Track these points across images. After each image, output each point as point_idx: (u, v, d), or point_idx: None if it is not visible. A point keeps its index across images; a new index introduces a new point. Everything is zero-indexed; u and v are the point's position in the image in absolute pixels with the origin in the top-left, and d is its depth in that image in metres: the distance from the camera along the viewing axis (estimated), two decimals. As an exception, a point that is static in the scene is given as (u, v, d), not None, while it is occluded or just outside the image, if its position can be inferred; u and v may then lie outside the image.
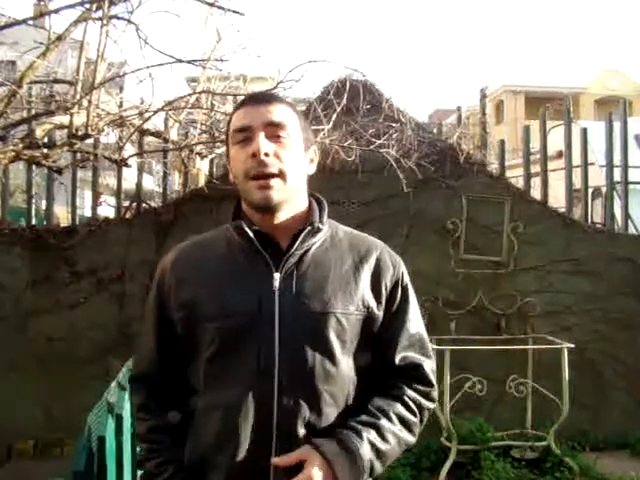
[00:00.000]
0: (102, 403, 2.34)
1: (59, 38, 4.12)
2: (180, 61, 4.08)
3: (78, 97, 3.94)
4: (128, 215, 5.74)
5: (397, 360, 1.65)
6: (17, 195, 10.22)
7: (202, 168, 6.27)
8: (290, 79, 4.31)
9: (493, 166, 6.16)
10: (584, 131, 6.14)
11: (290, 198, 1.63)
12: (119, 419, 2.29)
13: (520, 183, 6.06)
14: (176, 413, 1.65)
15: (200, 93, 4.71)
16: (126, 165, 5.09)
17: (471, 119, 7.18)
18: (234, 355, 1.56)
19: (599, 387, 5.54)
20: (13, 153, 4.00)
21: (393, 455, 1.61)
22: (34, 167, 5.60)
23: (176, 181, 8.81)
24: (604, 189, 6.58)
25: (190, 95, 4.80)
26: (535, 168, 6.16)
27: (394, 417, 1.60)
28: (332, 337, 1.57)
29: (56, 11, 4.07)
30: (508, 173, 6.26)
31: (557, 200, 6.21)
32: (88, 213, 6.50)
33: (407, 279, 1.72)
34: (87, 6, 3.96)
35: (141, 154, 5.64)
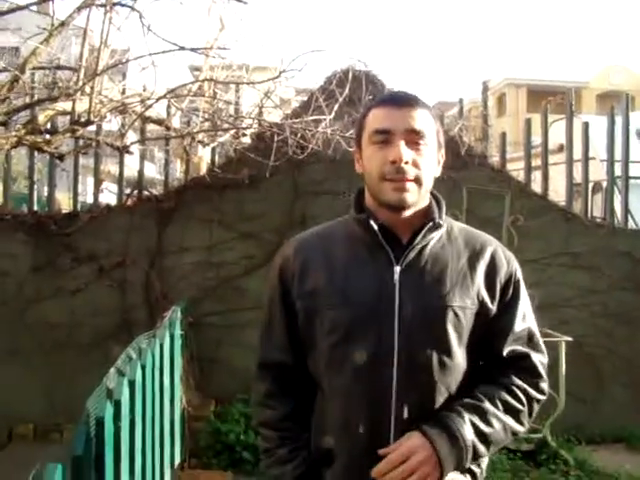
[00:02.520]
0: (101, 388, 2.36)
1: (62, 24, 4.12)
2: (183, 49, 4.08)
3: (81, 84, 3.95)
4: (129, 202, 5.75)
5: (505, 352, 1.68)
6: (19, 181, 10.23)
7: (204, 156, 6.28)
8: (292, 68, 4.31)
9: (494, 159, 6.16)
10: (585, 125, 6.13)
11: (420, 200, 1.68)
12: (117, 405, 2.31)
13: (521, 176, 6.07)
14: (286, 410, 1.72)
15: (203, 81, 4.72)
16: (128, 152, 5.10)
17: (473, 112, 7.18)
18: (354, 343, 1.61)
19: (596, 381, 5.56)
20: (15, 139, 4.02)
21: (498, 440, 1.63)
22: (36, 153, 5.61)
23: (178, 169, 8.83)
24: (604, 183, 6.58)
25: (193, 83, 4.81)
26: (536, 161, 6.16)
27: (498, 402, 1.63)
28: (450, 329, 1.62)
29: (60, -3, 4.06)
30: (509, 166, 6.27)
31: (557, 194, 6.22)
32: (90, 200, 6.53)
33: (520, 275, 1.75)
34: (91, -8, 3.96)
35: (143, 141, 5.64)
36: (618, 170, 6.09)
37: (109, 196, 6.76)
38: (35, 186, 6.07)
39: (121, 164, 5.89)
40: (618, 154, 6.06)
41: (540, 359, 1.74)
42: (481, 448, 1.59)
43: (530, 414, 1.71)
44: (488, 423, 1.60)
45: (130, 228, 5.47)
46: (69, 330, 5.32)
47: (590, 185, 6.42)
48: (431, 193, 1.75)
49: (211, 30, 4.55)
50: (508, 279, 1.72)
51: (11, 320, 5.32)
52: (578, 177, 6.20)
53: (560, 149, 7.20)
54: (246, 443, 4.73)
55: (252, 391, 1.83)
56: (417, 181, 1.63)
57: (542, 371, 1.73)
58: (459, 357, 1.64)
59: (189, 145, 5.51)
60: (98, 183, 6.05)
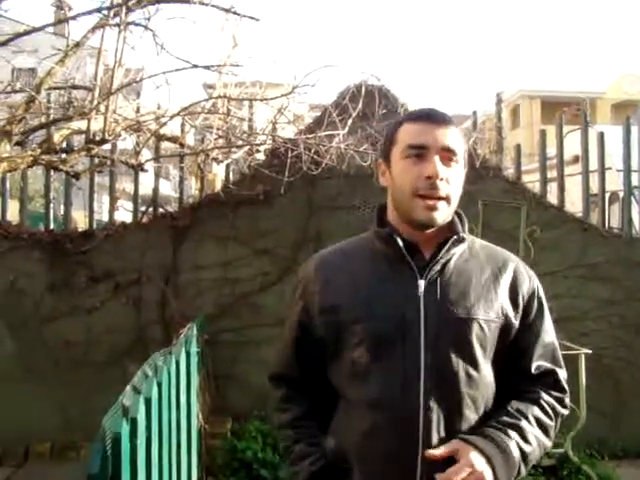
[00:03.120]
0: (117, 406, 2.35)
1: (77, 45, 4.17)
2: (196, 67, 4.10)
3: (95, 103, 3.98)
4: (145, 220, 5.78)
5: (533, 368, 1.70)
6: (36, 200, 10.31)
7: (218, 173, 6.29)
8: (305, 84, 4.32)
9: (509, 171, 6.13)
10: (601, 135, 6.09)
11: (447, 218, 1.68)
12: (134, 422, 2.30)
13: (536, 188, 6.03)
14: (314, 404, 1.76)
15: (216, 98, 4.74)
16: (143, 170, 5.13)
17: (487, 124, 7.16)
18: (380, 357, 1.62)
19: (617, 394, 5.48)
20: (31, 158, 4.05)
21: (534, 458, 1.64)
22: (52, 172, 5.66)
23: (193, 186, 8.86)
24: (621, 193, 6.52)
25: (206, 100, 4.84)
26: (551, 173, 6.13)
27: (533, 420, 1.65)
28: (475, 342, 1.62)
29: (74, 17, 4.12)
30: (524, 178, 6.24)
31: (574, 205, 6.18)
32: (105, 218, 6.55)
33: (542, 292, 1.77)
34: (105, 13, 4.00)
35: (158, 159, 5.67)
36: (635, 180, 6.04)
37: (124, 214, 6.80)
38: (51, 205, 6.11)
39: (136, 182, 5.92)
40: (635, 164, 6.01)
41: (563, 375, 1.75)
42: (522, 467, 1.60)
43: (555, 428, 1.71)
44: (527, 442, 1.61)
45: (145, 246, 5.49)
46: (85, 348, 5.34)
47: (607, 195, 6.37)
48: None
49: (224, 48, 4.58)
50: (531, 295, 1.72)
51: (28, 338, 5.35)
52: (594, 188, 6.16)
53: (575, 160, 7.15)
54: (263, 460, 4.70)
55: (270, 400, 1.85)
56: (447, 199, 1.64)
57: (566, 386, 1.75)
58: (485, 371, 1.64)
59: (203, 162, 5.53)
60: (113, 201, 6.09)
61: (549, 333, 1.75)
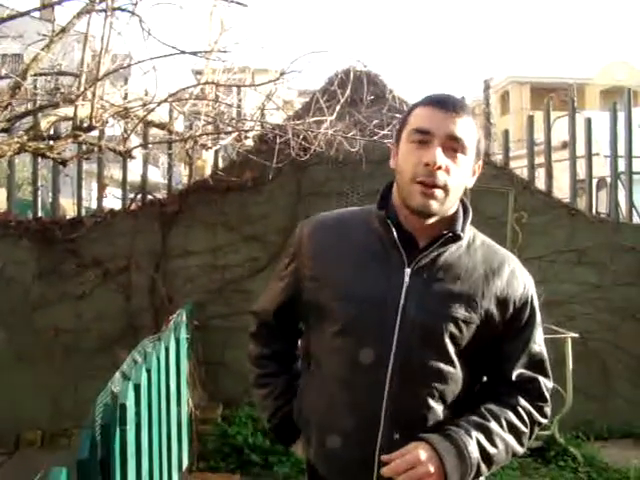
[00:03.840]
0: (106, 392, 2.36)
1: (63, 30, 4.13)
2: (184, 52, 4.08)
3: (82, 89, 3.95)
4: (133, 207, 5.76)
5: (514, 376, 1.68)
6: (24, 187, 10.25)
7: (207, 159, 6.28)
8: (293, 70, 4.31)
9: (497, 156, 6.15)
10: (588, 121, 6.12)
11: (446, 209, 1.66)
12: (123, 409, 2.31)
13: (524, 173, 6.06)
14: (275, 347, 1.90)
15: (204, 84, 4.72)
16: (131, 157, 5.10)
17: (476, 110, 7.17)
18: (355, 337, 1.64)
19: (603, 377, 5.55)
20: (18, 145, 4.02)
21: (499, 461, 1.63)
22: (40, 159, 5.62)
23: (182, 173, 8.84)
24: (608, 179, 6.56)
25: (194, 86, 4.81)
26: (539, 159, 6.15)
27: (504, 423, 1.63)
28: (448, 339, 1.61)
29: (59, 2, 4.08)
30: (512, 164, 6.26)
31: (561, 191, 6.21)
32: (94, 205, 6.53)
33: (536, 301, 1.74)
34: (91, -2, 3.97)
35: (146, 145, 5.65)
36: (622, 166, 6.08)
37: (113, 201, 6.77)
38: (39, 192, 6.08)
39: (124, 169, 5.90)
40: (621, 150, 6.04)
41: (547, 384, 1.72)
42: (483, 467, 1.59)
43: (531, 437, 1.69)
44: (493, 443, 1.60)
45: (134, 232, 5.48)
46: (75, 335, 5.34)
47: (594, 181, 6.40)
48: (461, 201, 1.73)
49: (212, 33, 4.55)
50: (524, 303, 1.70)
51: (17, 326, 5.33)
52: (582, 173, 6.19)
53: (563, 146, 7.19)
54: (254, 445, 4.73)
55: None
56: (445, 189, 1.61)
57: (548, 396, 1.72)
58: (458, 367, 1.64)
59: (192, 149, 5.51)
60: (102, 188, 6.06)
61: (537, 343, 1.72)
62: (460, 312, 1.62)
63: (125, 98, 5.00)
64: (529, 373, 1.69)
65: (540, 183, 6.00)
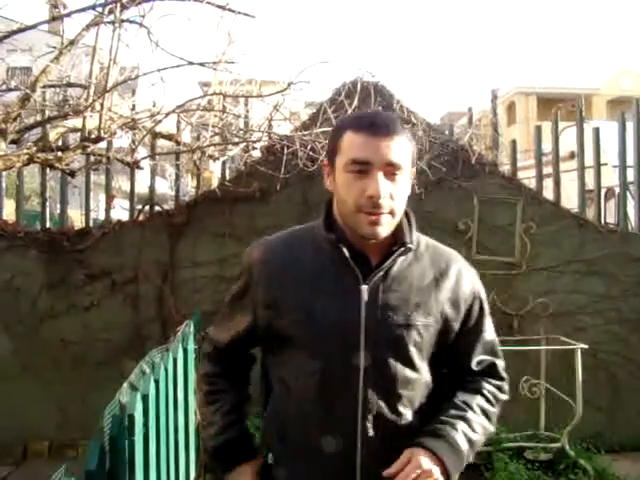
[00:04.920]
0: (115, 403, 2.36)
1: (72, 42, 4.17)
2: (191, 63, 4.10)
3: (91, 100, 3.98)
4: (141, 218, 5.77)
5: (474, 365, 1.79)
6: (32, 198, 10.29)
7: (214, 170, 6.29)
8: (301, 81, 4.32)
9: (505, 167, 6.14)
10: (596, 131, 6.10)
11: (392, 228, 1.69)
12: (131, 419, 2.30)
13: (532, 184, 6.04)
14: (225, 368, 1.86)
15: (211, 95, 4.73)
16: (139, 167, 5.13)
17: (483, 120, 7.17)
18: (319, 360, 1.65)
19: (613, 388, 5.50)
20: (27, 156, 4.05)
21: (480, 443, 1.74)
22: (48, 170, 5.65)
23: (189, 184, 8.87)
24: (617, 189, 6.54)
25: (202, 97, 4.83)
26: (547, 169, 6.13)
27: (477, 409, 1.74)
28: (412, 347, 1.67)
29: (68, 15, 4.11)
30: (520, 174, 6.24)
31: (570, 201, 6.18)
32: (102, 216, 6.55)
33: (483, 293, 1.84)
34: (99, 10, 4.00)
35: (153, 157, 5.67)
36: (630, 176, 6.05)
37: (121, 212, 6.79)
38: (47, 203, 6.10)
39: (132, 180, 5.92)
40: (630, 160, 6.02)
41: (502, 364, 1.85)
42: (470, 455, 1.69)
43: (497, 414, 1.82)
44: (474, 430, 1.70)
45: (142, 243, 5.48)
46: (83, 346, 5.34)
47: (602, 191, 6.38)
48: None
49: (219, 45, 4.58)
50: (474, 298, 1.78)
51: (25, 337, 5.34)
52: (590, 183, 6.16)
53: (571, 156, 7.17)
54: (261, 457, 4.70)
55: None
56: (392, 213, 1.65)
57: (504, 374, 1.85)
58: (422, 372, 1.71)
59: (199, 159, 5.53)
60: (109, 199, 6.08)
61: (489, 332, 1.82)
62: (419, 319, 1.67)
63: (133, 109, 5.03)
64: (487, 358, 1.80)
65: (548, 193, 5.98)
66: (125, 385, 2.72)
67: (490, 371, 1.81)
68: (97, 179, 6.93)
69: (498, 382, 1.82)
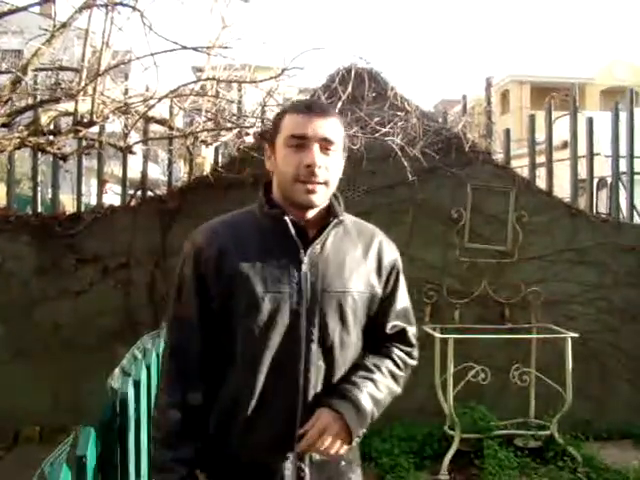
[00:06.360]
0: (106, 389, 2.35)
1: (64, 25, 4.12)
2: (185, 48, 4.07)
3: (83, 84, 3.95)
4: (133, 203, 5.75)
5: (388, 329, 1.99)
6: (23, 183, 10.23)
7: (207, 156, 6.26)
8: (295, 67, 4.30)
9: (498, 155, 6.14)
10: (589, 121, 6.10)
11: (325, 200, 1.89)
12: (123, 405, 2.31)
13: (525, 173, 6.04)
14: (198, 395, 1.83)
15: (205, 80, 4.71)
16: (131, 152, 5.10)
17: (476, 108, 7.15)
18: (270, 325, 1.80)
19: (603, 377, 5.54)
20: (18, 140, 4.02)
21: (386, 403, 1.94)
22: (39, 155, 5.62)
23: (181, 169, 8.83)
24: (609, 179, 6.55)
25: (195, 82, 4.80)
26: (540, 158, 6.14)
27: (385, 371, 1.94)
28: (349, 312, 1.87)
29: (61, -3, 4.06)
30: (513, 163, 6.25)
31: (562, 190, 6.19)
32: (94, 201, 6.52)
33: (400, 262, 2.03)
34: (92, -7, 3.96)
35: (146, 142, 5.64)
36: (623, 166, 6.07)
37: (113, 197, 6.77)
38: (39, 188, 6.07)
39: (124, 165, 5.89)
40: (623, 150, 6.03)
41: (413, 331, 2.05)
42: (375, 412, 1.88)
43: (405, 378, 2.01)
44: (379, 390, 1.89)
45: (134, 229, 5.46)
46: (74, 331, 5.32)
47: (595, 181, 6.39)
48: None
49: (213, 29, 4.54)
50: (393, 266, 1.98)
51: (16, 321, 5.33)
52: (583, 173, 6.18)
53: (564, 145, 7.17)
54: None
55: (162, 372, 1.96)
56: (326, 184, 1.84)
57: (414, 341, 2.05)
58: (355, 336, 1.90)
59: (192, 145, 5.50)
60: (102, 184, 6.05)
61: (404, 298, 2.02)
62: (354, 286, 1.87)
63: (126, 94, 4.99)
64: (400, 324, 2.00)
65: (541, 182, 5.99)
66: (117, 370, 2.72)
67: (401, 337, 2.01)
68: (89, 164, 6.89)
69: (408, 348, 2.02)
